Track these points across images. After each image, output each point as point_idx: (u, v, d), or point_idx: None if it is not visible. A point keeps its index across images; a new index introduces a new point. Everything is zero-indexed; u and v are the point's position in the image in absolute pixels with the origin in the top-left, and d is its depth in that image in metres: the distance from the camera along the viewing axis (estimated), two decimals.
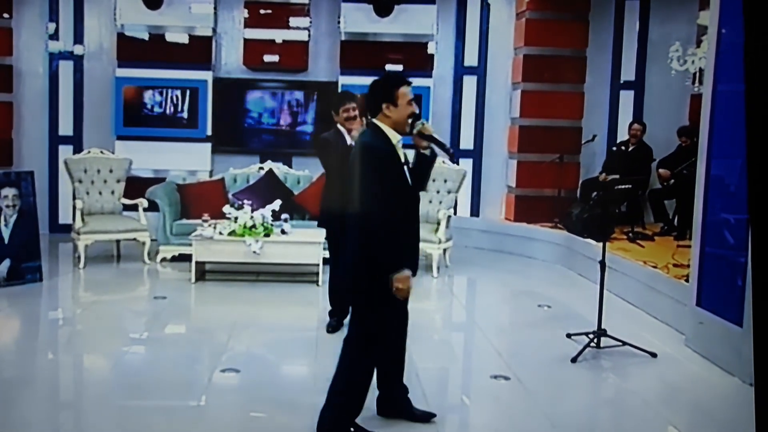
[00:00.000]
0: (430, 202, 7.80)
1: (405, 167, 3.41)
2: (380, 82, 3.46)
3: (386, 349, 3.58)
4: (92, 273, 7.08)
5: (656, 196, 8.06)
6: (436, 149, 3.55)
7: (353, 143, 5.02)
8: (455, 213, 8.11)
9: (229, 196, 7.74)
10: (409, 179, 3.42)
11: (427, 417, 3.76)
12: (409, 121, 3.42)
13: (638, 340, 5.04)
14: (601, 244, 5.12)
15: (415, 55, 8.77)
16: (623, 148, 8.27)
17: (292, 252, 6.67)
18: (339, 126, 5.25)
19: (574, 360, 4.75)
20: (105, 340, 5.11)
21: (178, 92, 8.61)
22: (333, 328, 5.30)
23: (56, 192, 8.80)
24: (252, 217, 6.64)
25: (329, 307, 5.46)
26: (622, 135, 8.55)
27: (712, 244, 4.97)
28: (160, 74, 8.55)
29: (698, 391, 4.49)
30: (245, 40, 8.70)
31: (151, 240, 7.54)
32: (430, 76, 8.80)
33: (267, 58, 8.68)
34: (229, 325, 5.42)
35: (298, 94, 8.80)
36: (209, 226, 6.83)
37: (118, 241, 7.64)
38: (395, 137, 3.39)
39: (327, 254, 6.84)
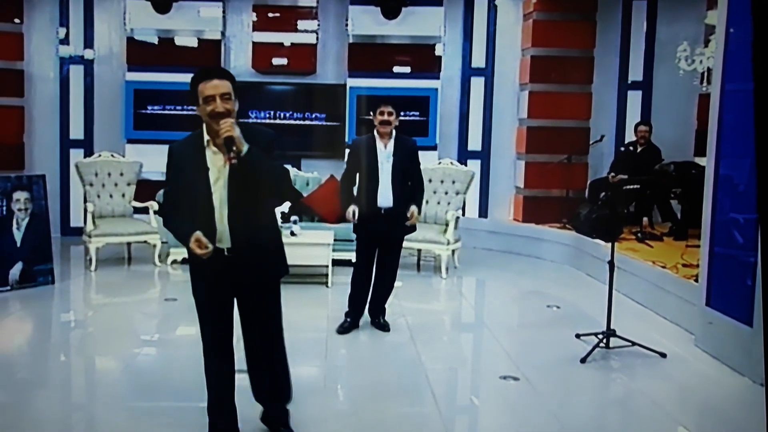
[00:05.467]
0: (439, 203, 7.81)
1: (207, 171, 3.11)
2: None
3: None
4: (103, 275, 7.13)
5: (663, 195, 8.03)
6: None
7: (385, 148, 5.12)
8: (463, 214, 8.12)
9: None
10: (204, 184, 3.10)
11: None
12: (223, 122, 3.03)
13: (647, 340, 5.03)
14: (609, 245, 5.13)
15: (423, 57, 8.80)
16: (631, 148, 8.25)
17: (301, 253, 6.68)
18: (375, 131, 5.22)
19: (583, 360, 4.75)
20: (116, 342, 5.15)
21: (187, 96, 8.64)
22: (345, 329, 5.34)
23: (67, 195, 8.87)
24: None
25: (340, 311, 5.47)
26: (630, 135, 8.53)
27: (722, 243, 4.96)
28: (170, 78, 8.59)
29: (708, 391, 4.48)
30: (254, 44, 8.75)
31: (162, 242, 7.59)
32: (437, 77, 8.83)
33: (275, 60, 8.72)
34: (239, 326, 5.43)
35: (307, 97, 8.83)
36: None
37: (128, 244, 7.69)
38: (206, 138, 3.13)
39: (339, 256, 6.91)
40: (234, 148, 2.97)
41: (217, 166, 3.13)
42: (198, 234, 3.05)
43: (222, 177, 3.13)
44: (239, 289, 3.33)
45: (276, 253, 3.41)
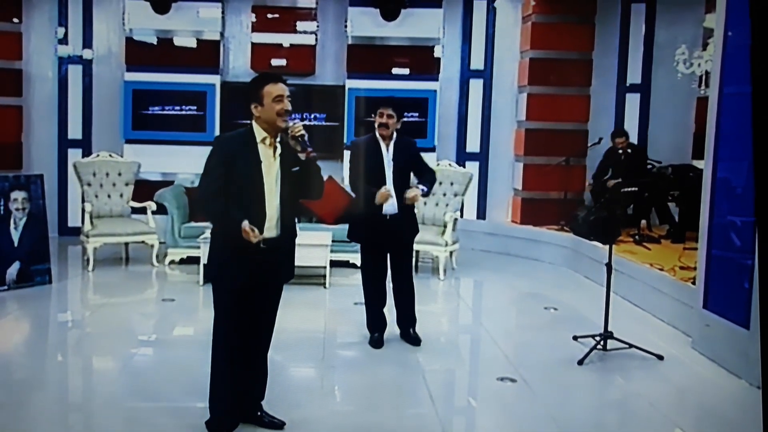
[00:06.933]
0: (437, 204, 7.81)
1: (260, 165, 3.35)
2: (249, 83, 3.53)
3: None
4: (101, 276, 7.12)
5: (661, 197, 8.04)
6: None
7: (388, 151, 4.95)
8: (462, 216, 8.11)
9: None
10: (258, 177, 3.34)
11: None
12: (291, 121, 3.44)
13: (645, 342, 5.04)
14: (607, 247, 5.13)
15: (422, 59, 8.80)
16: (620, 151, 8.25)
17: (298, 254, 6.62)
18: (376, 131, 4.98)
19: (580, 362, 4.75)
20: (114, 343, 5.14)
21: (187, 96, 8.65)
22: (376, 341, 5.06)
23: (65, 195, 8.86)
24: None
25: (338, 313, 5.45)
26: (629, 138, 8.52)
27: (719, 246, 4.97)
28: (169, 78, 8.60)
29: (705, 393, 4.49)
30: (253, 44, 8.75)
31: (160, 243, 7.58)
32: (436, 79, 8.83)
33: (274, 62, 8.71)
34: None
35: (306, 98, 8.82)
36: None
37: (126, 244, 7.68)
38: (261, 135, 3.40)
39: (337, 257, 6.91)
40: (308, 143, 3.36)
41: (268, 160, 3.40)
42: (247, 223, 3.27)
43: (272, 170, 3.39)
44: (268, 283, 3.51)
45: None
